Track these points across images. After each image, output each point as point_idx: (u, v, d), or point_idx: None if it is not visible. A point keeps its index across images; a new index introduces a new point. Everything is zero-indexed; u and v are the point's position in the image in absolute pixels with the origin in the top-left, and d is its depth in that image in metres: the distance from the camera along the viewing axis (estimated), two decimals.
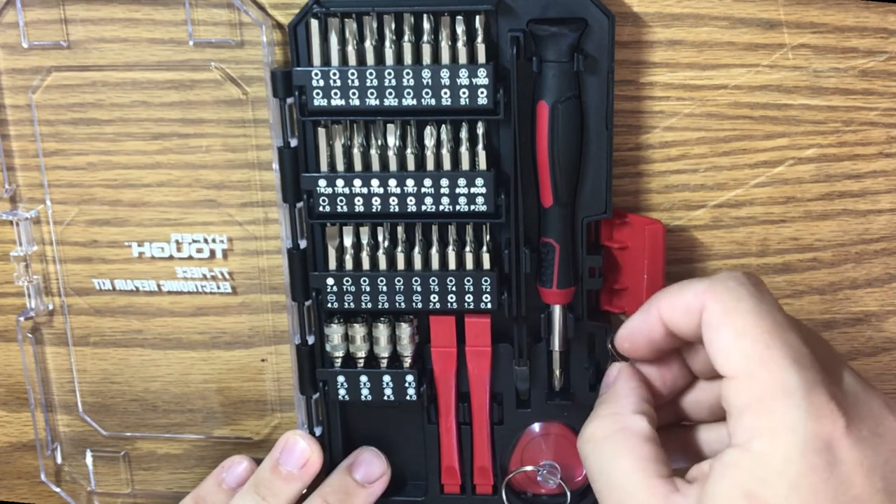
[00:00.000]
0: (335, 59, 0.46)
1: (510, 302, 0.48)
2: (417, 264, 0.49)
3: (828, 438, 0.35)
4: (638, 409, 0.40)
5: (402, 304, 0.49)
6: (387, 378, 0.50)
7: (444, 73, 0.45)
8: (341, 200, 0.47)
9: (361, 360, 0.50)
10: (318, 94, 0.45)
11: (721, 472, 0.36)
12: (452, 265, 0.48)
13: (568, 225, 0.47)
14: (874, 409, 0.37)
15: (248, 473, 0.52)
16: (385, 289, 0.48)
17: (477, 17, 0.45)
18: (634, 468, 0.38)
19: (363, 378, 0.50)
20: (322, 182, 0.47)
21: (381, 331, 0.50)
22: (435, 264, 0.48)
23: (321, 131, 0.47)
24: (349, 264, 0.49)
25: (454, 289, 0.48)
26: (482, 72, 0.44)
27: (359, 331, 0.50)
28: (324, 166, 0.47)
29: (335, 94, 0.45)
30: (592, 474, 0.40)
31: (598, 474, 0.39)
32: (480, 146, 0.46)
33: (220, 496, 0.52)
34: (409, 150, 0.47)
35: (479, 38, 0.45)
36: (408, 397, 0.50)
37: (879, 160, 0.47)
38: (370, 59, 0.46)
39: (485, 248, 0.48)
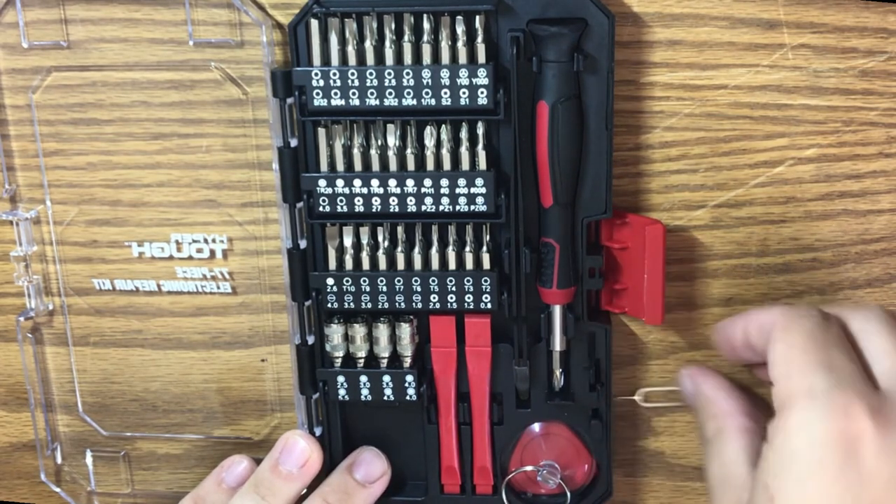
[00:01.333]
0: (335, 59, 0.46)
1: (510, 302, 0.48)
2: (417, 264, 0.48)
3: (847, 437, 0.36)
4: (731, 406, 0.44)
5: (402, 304, 0.48)
6: (387, 378, 0.50)
7: (444, 73, 0.45)
8: (341, 200, 0.47)
9: (361, 360, 0.50)
10: (318, 94, 0.45)
11: (757, 465, 0.39)
12: (452, 265, 0.48)
13: (568, 225, 0.47)
14: None
15: (247, 473, 0.52)
16: (385, 289, 0.48)
17: (477, 17, 0.45)
18: (734, 461, 0.42)
19: (363, 378, 0.50)
20: (322, 182, 0.47)
21: (381, 331, 0.50)
22: (435, 264, 0.48)
23: (321, 131, 0.47)
24: (349, 264, 0.49)
25: (454, 289, 0.48)
26: (482, 72, 0.44)
27: (359, 331, 0.50)
28: (324, 166, 0.47)
29: (335, 94, 0.45)
30: (706, 473, 0.44)
31: (709, 473, 0.43)
32: (480, 146, 0.46)
33: (219, 496, 0.52)
34: (409, 150, 0.47)
35: (479, 38, 0.45)
36: (408, 397, 0.50)
37: (879, 160, 0.47)
38: (370, 59, 0.46)
39: (485, 248, 0.48)
